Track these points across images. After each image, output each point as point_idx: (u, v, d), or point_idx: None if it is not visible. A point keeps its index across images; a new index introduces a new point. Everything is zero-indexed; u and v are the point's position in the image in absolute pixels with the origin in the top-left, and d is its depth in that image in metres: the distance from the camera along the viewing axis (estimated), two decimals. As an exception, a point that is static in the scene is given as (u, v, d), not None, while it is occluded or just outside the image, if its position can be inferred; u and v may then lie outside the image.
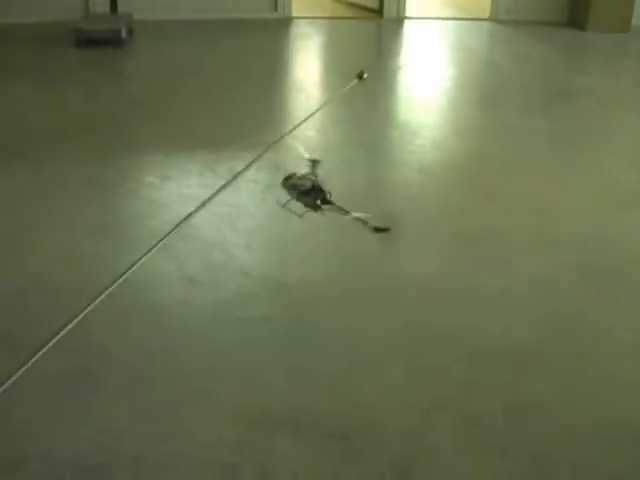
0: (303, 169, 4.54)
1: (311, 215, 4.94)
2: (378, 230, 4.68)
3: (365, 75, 4.93)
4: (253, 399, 3.33)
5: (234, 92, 6.96)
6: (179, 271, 4.26)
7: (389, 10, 9.82)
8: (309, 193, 4.68)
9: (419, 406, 3.36)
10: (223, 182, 5.20)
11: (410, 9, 9.97)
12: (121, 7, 8.64)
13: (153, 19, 8.72)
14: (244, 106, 6.62)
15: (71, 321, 3.67)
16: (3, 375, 3.05)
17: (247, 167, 5.36)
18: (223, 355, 3.62)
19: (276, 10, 9.41)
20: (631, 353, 3.84)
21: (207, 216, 4.85)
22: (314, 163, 4.80)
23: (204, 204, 4.82)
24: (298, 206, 4.38)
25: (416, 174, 5.57)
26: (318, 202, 4.65)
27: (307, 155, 4.94)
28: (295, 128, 5.79)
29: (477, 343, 3.79)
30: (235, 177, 5.27)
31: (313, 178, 4.63)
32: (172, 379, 3.43)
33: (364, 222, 4.44)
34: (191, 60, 7.81)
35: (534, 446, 3.15)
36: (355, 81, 5.12)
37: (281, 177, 5.03)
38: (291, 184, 4.71)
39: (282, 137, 5.77)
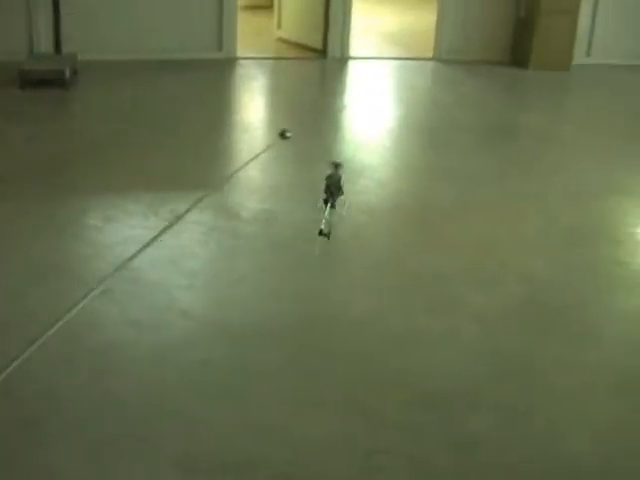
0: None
1: (254, 255, 4.98)
2: (321, 234, 4.78)
3: (288, 134, 4.98)
4: (194, 443, 3.32)
5: (178, 133, 6.96)
6: (121, 314, 4.24)
7: (333, 50, 9.90)
8: (325, 191, 4.87)
9: (361, 450, 3.36)
10: (166, 224, 5.20)
11: (354, 49, 10.05)
12: (65, 47, 8.63)
13: (98, 59, 8.70)
14: (188, 147, 6.62)
15: (9, 365, 3.66)
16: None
17: (190, 209, 5.37)
18: (164, 399, 3.60)
19: (221, 50, 9.44)
20: (571, 390, 3.89)
21: (150, 258, 4.84)
22: (336, 166, 4.91)
23: (145, 247, 4.82)
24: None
25: (360, 214, 5.60)
26: (330, 202, 4.84)
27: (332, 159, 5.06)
28: (238, 170, 5.82)
29: (421, 384, 3.81)
30: (178, 219, 5.27)
31: (331, 180, 4.79)
32: (114, 423, 3.41)
33: (321, 223, 4.54)
34: (135, 101, 7.80)
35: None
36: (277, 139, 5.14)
37: (225, 219, 5.08)
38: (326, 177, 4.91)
39: (232, 175, 5.79)
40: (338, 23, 9.88)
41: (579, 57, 10.33)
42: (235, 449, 3.31)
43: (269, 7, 11.81)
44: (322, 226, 4.81)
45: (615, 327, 4.54)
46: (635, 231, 5.74)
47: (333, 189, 4.91)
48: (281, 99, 8.79)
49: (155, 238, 5.01)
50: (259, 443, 3.36)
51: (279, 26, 10.83)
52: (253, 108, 8.37)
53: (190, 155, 6.41)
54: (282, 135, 5.29)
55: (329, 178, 4.94)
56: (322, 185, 4.96)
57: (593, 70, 10.21)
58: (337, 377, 3.83)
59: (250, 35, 10.44)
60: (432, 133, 7.62)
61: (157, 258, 4.86)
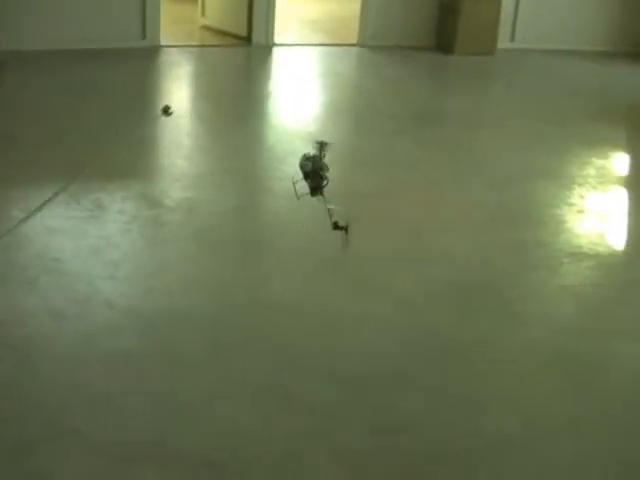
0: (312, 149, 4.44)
1: (178, 244, 4.96)
2: (336, 227, 4.57)
3: (171, 110, 4.83)
4: (117, 432, 3.31)
5: (102, 123, 6.88)
6: (44, 305, 4.20)
7: (258, 37, 9.87)
8: (308, 176, 4.57)
9: (287, 435, 3.38)
10: (88, 214, 5.16)
11: (279, 36, 10.03)
12: (-15, 37, 8.51)
13: (18, 49, 8.58)
14: (112, 137, 6.55)
15: None
16: None
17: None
18: (87, 389, 3.58)
19: (144, 38, 9.36)
20: (495, 369, 3.94)
21: (72, 249, 4.80)
22: (321, 145, 4.63)
23: (66, 237, 4.78)
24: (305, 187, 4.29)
25: (282, 200, 5.60)
26: (318, 185, 4.46)
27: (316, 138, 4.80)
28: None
29: (343, 368, 3.84)
30: (101, 209, 5.23)
31: (314, 161, 4.49)
32: (36, 415, 3.39)
33: (330, 216, 4.37)
34: (59, 91, 7.69)
35: (403, 467, 3.21)
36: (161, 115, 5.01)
37: (147, 208, 5.05)
38: (302, 163, 4.57)
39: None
40: (262, 10, 9.85)
41: (503, 42, 10.42)
42: (158, 437, 3.31)
43: (193, -6, 11.75)
44: (333, 219, 4.59)
45: (537, 306, 4.62)
46: (558, 212, 5.82)
47: (316, 174, 4.63)
48: (206, 86, 8.75)
49: (77, 228, 4.98)
50: (183, 430, 3.36)
51: (203, 14, 10.76)
52: (177, 96, 8.32)
53: (112, 145, 6.34)
54: (165, 112, 5.20)
55: (310, 160, 4.64)
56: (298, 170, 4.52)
57: (517, 55, 10.31)
58: (259, 363, 3.85)
59: (174, 23, 10.36)
60: (357, 119, 7.64)
61: (80, 249, 4.82)
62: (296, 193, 4.37)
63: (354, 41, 10.29)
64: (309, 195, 4.42)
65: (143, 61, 9.02)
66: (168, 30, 9.73)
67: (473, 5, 9.99)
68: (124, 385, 3.64)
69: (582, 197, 6.07)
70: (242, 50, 9.84)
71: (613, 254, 5.38)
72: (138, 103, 7.64)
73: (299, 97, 8.34)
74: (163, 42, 9.51)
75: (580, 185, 6.28)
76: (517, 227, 5.54)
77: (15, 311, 4.16)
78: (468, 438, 3.45)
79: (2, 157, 6.16)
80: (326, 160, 4.23)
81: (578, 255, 5.17)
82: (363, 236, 5.18)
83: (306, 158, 4.51)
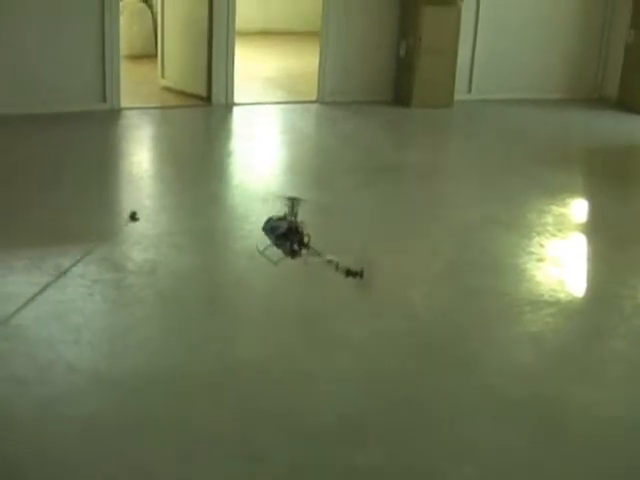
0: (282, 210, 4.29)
1: (140, 306, 4.97)
2: (350, 274, 4.41)
3: (137, 215, 4.82)
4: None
5: (61, 187, 6.87)
6: (3, 371, 4.19)
7: (218, 97, 9.93)
8: (286, 236, 4.31)
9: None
10: (49, 279, 5.16)
11: (238, 95, 10.11)
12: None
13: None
14: (71, 201, 6.55)
15: None
16: None
17: (76, 262, 5.35)
18: (49, 456, 3.57)
19: (105, 101, 9.40)
20: (454, 418, 3.97)
21: (34, 314, 4.80)
22: (293, 202, 4.39)
23: (27, 303, 4.78)
24: (276, 252, 4.17)
25: (244, 260, 5.64)
26: (295, 246, 4.24)
27: (287, 194, 4.59)
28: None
29: (304, 422, 3.86)
30: (62, 274, 5.24)
31: (290, 219, 4.28)
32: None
33: (336, 266, 4.25)
34: (15, 155, 7.68)
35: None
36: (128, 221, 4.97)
37: (109, 271, 5.07)
38: (270, 227, 4.33)
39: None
40: (221, 70, 9.93)
41: (460, 94, 10.53)
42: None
43: (153, 56, 11.80)
44: (340, 267, 4.38)
45: (498, 354, 4.66)
46: (517, 261, 5.88)
47: (295, 233, 4.39)
48: (167, 148, 8.79)
49: (38, 293, 4.98)
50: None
51: (163, 75, 10.83)
52: (138, 159, 8.34)
53: (73, 209, 6.36)
54: (132, 217, 5.22)
55: (283, 220, 4.38)
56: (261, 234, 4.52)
57: (474, 106, 10.43)
58: (223, 423, 3.87)
59: (134, 85, 10.42)
60: (317, 175, 7.71)
61: (41, 314, 4.82)
62: (271, 260, 4.27)
63: (313, 98, 10.38)
64: (288, 258, 4.28)
65: (104, 124, 9.06)
66: (128, 91, 9.77)
67: (429, 59, 10.12)
68: (86, 450, 3.63)
69: (541, 245, 6.14)
70: (202, 110, 9.91)
71: (573, 301, 5.44)
72: (98, 166, 7.67)
73: (260, 156, 8.40)
74: (124, 104, 9.55)
75: (539, 233, 6.34)
76: (477, 276, 5.59)
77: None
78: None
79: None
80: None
81: (539, 303, 5.22)
82: (320, 289, 5.23)
83: (278, 219, 4.37)
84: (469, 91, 10.82)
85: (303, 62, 12.34)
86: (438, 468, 3.62)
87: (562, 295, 5.39)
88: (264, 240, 4.32)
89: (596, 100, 11.00)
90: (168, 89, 10.69)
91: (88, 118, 9.01)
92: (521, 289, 5.49)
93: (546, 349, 4.76)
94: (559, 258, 6.00)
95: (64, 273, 5.25)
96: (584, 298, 5.56)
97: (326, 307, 4.99)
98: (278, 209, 4.30)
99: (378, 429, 3.87)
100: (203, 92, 10.11)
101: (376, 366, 4.41)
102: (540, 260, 5.91)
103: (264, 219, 6.01)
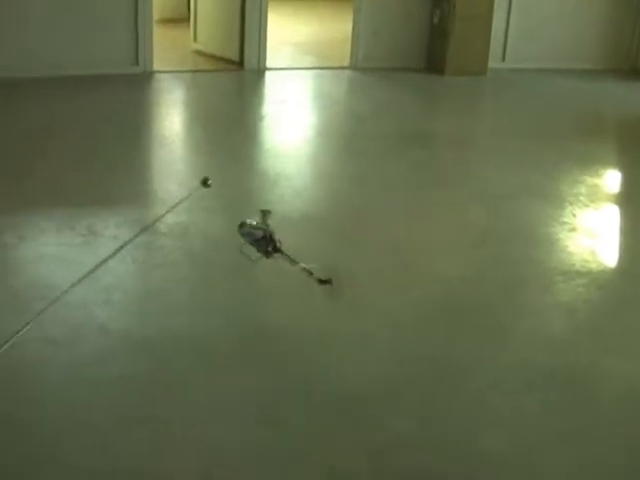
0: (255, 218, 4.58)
1: (172, 268, 4.98)
2: (322, 282, 4.69)
3: (209, 182, 4.94)
4: (108, 463, 3.32)
5: (95, 149, 6.91)
6: (36, 332, 4.20)
7: (250, 62, 9.92)
8: (261, 241, 4.75)
9: (277, 461, 3.39)
10: (81, 240, 5.18)
11: (271, 60, 10.08)
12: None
13: (10, 76, 8.61)
14: (105, 163, 6.58)
15: None
16: None
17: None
18: (80, 415, 3.59)
19: (137, 64, 9.41)
20: (487, 388, 3.96)
21: (66, 275, 4.81)
22: (265, 214, 4.84)
23: (60, 264, 4.79)
24: (253, 251, 4.41)
25: (274, 223, 5.61)
26: (270, 249, 4.70)
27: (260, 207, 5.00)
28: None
29: (336, 389, 3.86)
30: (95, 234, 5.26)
31: (264, 227, 4.70)
32: (25, 444, 3.39)
33: (310, 273, 4.50)
34: (49, 119, 7.71)
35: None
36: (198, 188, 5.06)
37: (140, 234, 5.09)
38: (246, 231, 4.77)
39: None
40: (254, 34, 9.91)
41: (494, 62, 10.47)
42: (151, 465, 3.32)
43: (185, 20, 11.79)
44: (314, 274, 4.73)
45: (529, 324, 4.63)
46: (550, 231, 5.84)
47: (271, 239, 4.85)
48: (199, 111, 8.79)
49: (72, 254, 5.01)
50: (175, 456, 3.37)
51: (195, 39, 10.82)
52: (170, 122, 8.36)
53: (105, 172, 6.37)
54: (204, 183, 5.24)
55: (258, 228, 4.86)
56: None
57: (508, 74, 10.36)
58: (253, 386, 3.86)
59: (167, 49, 10.41)
60: (347, 141, 7.68)
61: (74, 274, 4.83)
62: (249, 257, 4.53)
63: (345, 64, 10.34)
64: (264, 257, 4.61)
65: (137, 87, 9.07)
66: (161, 55, 9.77)
67: (463, 26, 10.04)
68: (115, 412, 3.65)
69: (574, 215, 6.10)
70: (234, 74, 9.89)
71: (605, 271, 5.41)
72: (131, 129, 7.67)
73: (292, 120, 8.38)
74: (156, 68, 9.55)
75: (572, 203, 6.30)
76: (509, 245, 5.56)
77: (7, 338, 4.16)
78: (462, 457, 3.46)
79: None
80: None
81: (570, 273, 5.19)
82: (353, 257, 5.23)
83: (252, 227, 4.73)
84: (503, 59, 10.75)
85: (335, 28, 12.30)
86: (469, 437, 3.61)
87: (594, 265, 5.36)
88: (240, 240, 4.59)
89: (631, 71, 10.89)
90: (200, 53, 10.69)
91: (121, 81, 9.02)
92: (553, 259, 5.46)
93: (578, 319, 4.73)
94: (591, 228, 5.96)
95: (96, 234, 5.27)
96: (616, 269, 5.52)
97: (359, 274, 4.98)
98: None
99: (409, 396, 3.86)
100: (235, 56, 10.10)
101: (408, 333, 4.40)
102: (572, 230, 5.87)
103: (293, 183, 6.06)
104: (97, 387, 3.81)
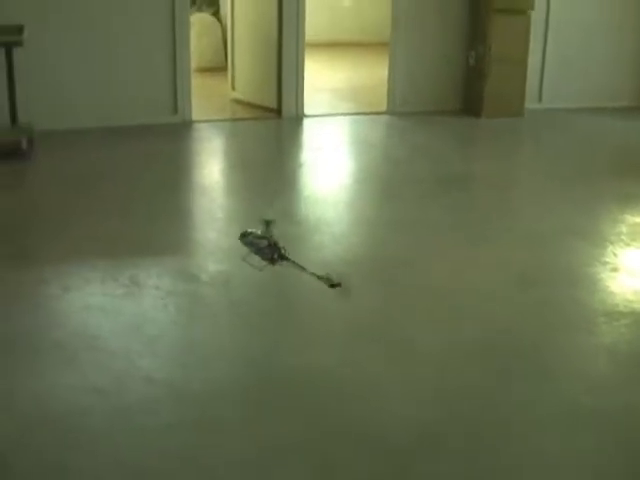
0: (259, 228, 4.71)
1: (214, 317, 5.01)
2: (332, 286, 4.78)
3: (337, 283, 5.03)
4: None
5: (136, 198, 6.99)
6: (82, 381, 4.26)
7: (288, 109, 10.00)
8: (266, 249, 4.86)
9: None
10: (125, 290, 5.23)
11: (308, 107, 10.16)
12: (21, 117, 8.68)
13: (53, 128, 8.75)
14: (146, 212, 6.65)
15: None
16: None
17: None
18: (126, 466, 3.62)
19: (176, 114, 9.52)
20: (532, 431, 3.94)
21: (110, 325, 4.88)
22: (268, 223, 4.96)
23: (104, 314, 4.84)
24: (257, 260, 4.49)
25: (315, 270, 5.66)
26: (275, 257, 4.83)
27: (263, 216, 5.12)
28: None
29: (381, 435, 3.86)
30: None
31: (269, 236, 4.82)
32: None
33: (319, 277, 4.59)
34: (93, 168, 7.82)
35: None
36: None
37: (183, 283, 5.14)
38: (249, 241, 4.91)
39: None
40: (291, 82, 10.00)
41: (531, 102, 10.48)
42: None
43: (223, 69, 11.93)
44: (323, 278, 4.83)
45: (573, 366, 4.61)
46: (591, 271, 5.83)
47: (276, 247, 4.97)
48: (238, 159, 8.87)
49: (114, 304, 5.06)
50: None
51: (233, 87, 10.94)
52: (210, 170, 8.45)
53: (147, 220, 6.45)
54: (332, 286, 5.31)
55: (263, 237, 4.99)
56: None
57: (544, 115, 10.37)
58: (295, 432, 3.88)
59: (205, 97, 10.54)
60: (386, 185, 7.71)
61: (118, 324, 4.90)
62: (255, 266, 4.63)
63: (382, 109, 10.40)
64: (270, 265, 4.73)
65: (175, 136, 9.16)
66: (199, 104, 9.89)
67: (499, 67, 10.07)
68: (163, 462, 3.67)
69: (615, 255, 6.08)
70: (273, 122, 9.97)
71: (649, 311, 5.38)
72: (171, 178, 7.75)
73: (330, 167, 8.43)
74: (195, 117, 9.66)
75: (613, 243, 6.28)
76: (551, 286, 5.55)
77: (55, 388, 4.21)
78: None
79: (35, 234, 6.29)
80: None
81: (613, 314, 5.16)
82: (395, 299, 5.25)
83: (256, 236, 4.85)
84: (539, 100, 10.76)
85: (371, 73, 12.38)
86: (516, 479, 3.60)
87: (637, 305, 5.32)
88: (244, 249, 4.71)
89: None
90: (238, 101, 10.79)
91: (160, 130, 9.13)
92: (596, 299, 5.44)
93: (621, 360, 4.71)
94: (634, 268, 5.94)
95: (139, 285, 5.32)
96: (659, 309, 5.49)
97: (400, 317, 4.99)
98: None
99: (454, 440, 3.85)
100: (273, 104, 10.19)
101: (450, 377, 4.40)
102: (614, 270, 5.84)
103: (333, 229, 6.11)
104: (145, 435, 3.84)
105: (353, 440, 3.83)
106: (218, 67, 12.48)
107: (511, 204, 7.23)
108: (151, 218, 6.49)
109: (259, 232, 5.04)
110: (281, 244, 4.91)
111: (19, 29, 8.52)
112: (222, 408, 4.08)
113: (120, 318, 4.95)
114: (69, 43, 9.11)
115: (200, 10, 13.09)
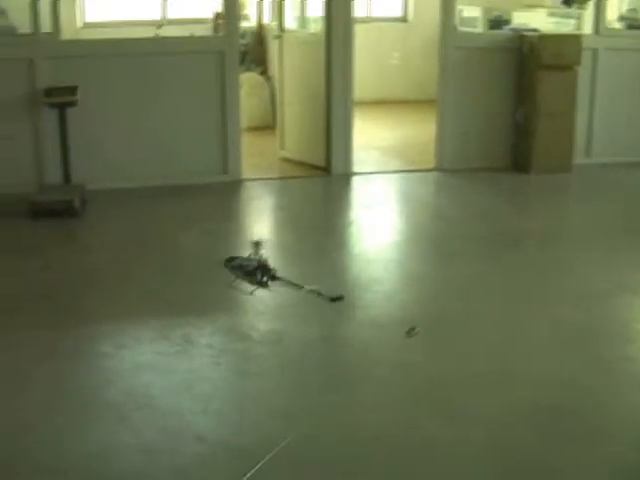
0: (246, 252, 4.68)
1: (266, 376, 5.00)
2: (333, 300, 4.76)
3: (416, 329, 5.05)
4: None
5: (186, 258, 7.02)
6: (135, 440, 4.27)
7: (336, 167, 10.04)
8: (256, 272, 4.79)
9: None
10: (177, 348, 5.26)
11: (357, 164, 10.20)
12: (74, 177, 8.79)
13: (105, 188, 8.86)
14: (198, 271, 6.68)
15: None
16: None
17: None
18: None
19: (226, 173, 9.60)
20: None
21: (163, 383, 4.89)
22: (257, 244, 4.93)
23: (156, 373, 4.85)
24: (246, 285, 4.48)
25: (366, 329, 5.66)
26: (264, 280, 4.80)
27: (252, 238, 5.12)
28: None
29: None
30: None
31: (258, 258, 4.78)
32: None
33: (318, 293, 4.56)
34: (143, 227, 7.90)
35: None
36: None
37: (235, 341, 5.15)
38: (236, 264, 4.87)
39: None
40: (340, 141, 10.05)
41: (579, 158, 10.45)
42: None
43: (271, 128, 12.03)
44: (323, 294, 4.80)
45: (628, 427, 4.55)
46: (645, 329, 5.77)
47: (265, 268, 4.92)
48: (288, 218, 8.91)
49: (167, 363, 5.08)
50: None
51: (282, 146, 11.02)
52: (260, 229, 8.49)
53: (198, 280, 6.47)
54: (408, 333, 5.35)
55: (251, 260, 4.97)
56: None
57: (593, 170, 10.32)
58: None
59: (254, 156, 10.61)
60: (436, 243, 7.69)
61: (170, 383, 4.91)
62: (244, 291, 4.62)
63: (430, 166, 10.42)
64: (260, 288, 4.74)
65: (226, 195, 9.24)
66: (249, 163, 9.96)
67: (547, 124, 10.07)
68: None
69: (670, 312, 6.02)
70: (321, 180, 10.02)
71: None
72: (221, 237, 7.78)
73: (379, 225, 8.43)
74: (244, 176, 9.74)
75: (667, 300, 6.23)
76: (607, 344, 5.50)
77: (108, 447, 4.22)
78: None
79: (89, 292, 6.34)
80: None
81: (670, 372, 5.10)
82: (445, 361, 5.21)
83: (244, 259, 4.83)
84: (588, 155, 10.72)
85: (418, 130, 12.42)
86: None
87: (694, 364, 5.26)
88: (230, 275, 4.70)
89: None
90: (287, 160, 10.86)
91: (211, 190, 9.21)
92: (650, 357, 5.38)
93: (678, 420, 4.64)
94: (689, 325, 5.87)
95: (191, 343, 5.35)
96: None
97: (451, 378, 4.96)
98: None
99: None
100: (322, 162, 10.24)
101: (502, 436, 4.35)
102: (669, 327, 5.78)
103: (385, 287, 6.10)
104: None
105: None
106: (266, 126, 12.60)
107: (563, 261, 7.17)
108: (200, 278, 6.51)
109: (247, 255, 4.97)
110: (272, 266, 4.83)
111: (72, 90, 8.69)
112: (273, 468, 4.05)
113: (172, 376, 4.97)
114: (121, 103, 9.25)
115: (248, 70, 13.25)
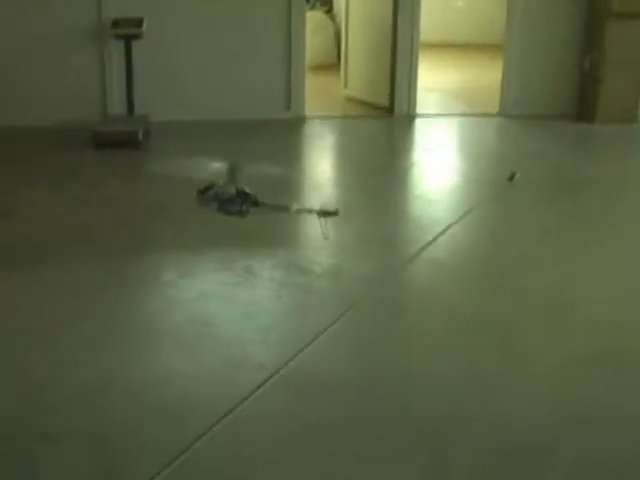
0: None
1: (327, 309, 5.04)
2: (326, 214, 4.57)
3: (517, 175, 4.86)
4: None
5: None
6: (197, 369, 4.34)
7: (400, 108, 10.02)
8: (234, 200, 4.52)
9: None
10: (239, 279, 5.32)
11: (420, 106, 10.16)
12: (137, 109, 8.86)
13: (169, 120, 8.92)
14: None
15: (94, 423, 3.78)
16: None
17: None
18: (238, 450, 3.68)
19: (289, 110, 9.62)
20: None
21: (224, 314, 4.96)
22: (233, 170, 4.59)
23: (219, 302, 4.90)
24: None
25: (427, 269, 5.68)
26: (244, 208, 4.51)
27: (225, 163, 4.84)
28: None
29: (496, 439, 3.84)
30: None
31: (235, 185, 4.46)
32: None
33: (309, 211, 4.41)
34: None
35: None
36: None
37: (296, 275, 5.19)
38: (212, 195, 4.54)
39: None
40: (404, 81, 10.01)
41: (645, 109, 10.33)
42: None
43: (336, 67, 12.00)
44: (315, 210, 4.62)
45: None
46: None
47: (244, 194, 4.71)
48: (349, 157, 8.91)
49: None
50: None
51: (346, 85, 11.01)
52: (321, 167, 8.51)
53: (260, 214, 6.49)
54: (511, 177, 5.17)
55: (227, 186, 4.69)
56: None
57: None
58: (408, 433, 3.88)
59: (317, 94, 10.60)
60: (498, 188, 7.65)
61: (232, 313, 4.98)
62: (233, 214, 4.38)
63: (494, 110, 10.34)
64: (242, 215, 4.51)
65: (288, 132, 9.26)
66: (311, 101, 9.97)
67: (615, 73, 9.93)
68: (274, 448, 3.73)
69: None
70: (384, 121, 10.00)
71: None
72: (282, 174, 7.79)
73: (441, 167, 8.41)
74: (307, 113, 9.74)
75: None
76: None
77: (170, 374, 4.30)
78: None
79: (153, 221, 6.41)
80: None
81: None
82: (506, 304, 5.22)
83: (220, 188, 4.54)
84: (655, 106, 10.58)
85: (482, 74, 12.33)
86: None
87: None
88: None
89: None
90: (350, 99, 10.85)
91: (273, 126, 9.24)
92: None
93: None
94: None
95: (253, 275, 5.40)
96: None
97: (512, 321, 4.97)
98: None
99: (571, 447, 3.81)
100: (385, 102, 10.22)
101: (567, 380, 4.35)
102: None
103: (440, 227, 6.07)
104: (256, 423, 3.89)
105: (464, 443, 3.83)
106: (330, 65, 12.57)
107: (625, 213, 7.09)
108: (263, 213, 6.54)
109: (221, 183, 4.60)
110: (252, 192, 4.50)
111: (139, 22, 8.72)
112: (331, 401, 4.10)
113: (235, 307, 5.04)
114: (187, 37, 9.30)
115: (313, 8, 13.20)
